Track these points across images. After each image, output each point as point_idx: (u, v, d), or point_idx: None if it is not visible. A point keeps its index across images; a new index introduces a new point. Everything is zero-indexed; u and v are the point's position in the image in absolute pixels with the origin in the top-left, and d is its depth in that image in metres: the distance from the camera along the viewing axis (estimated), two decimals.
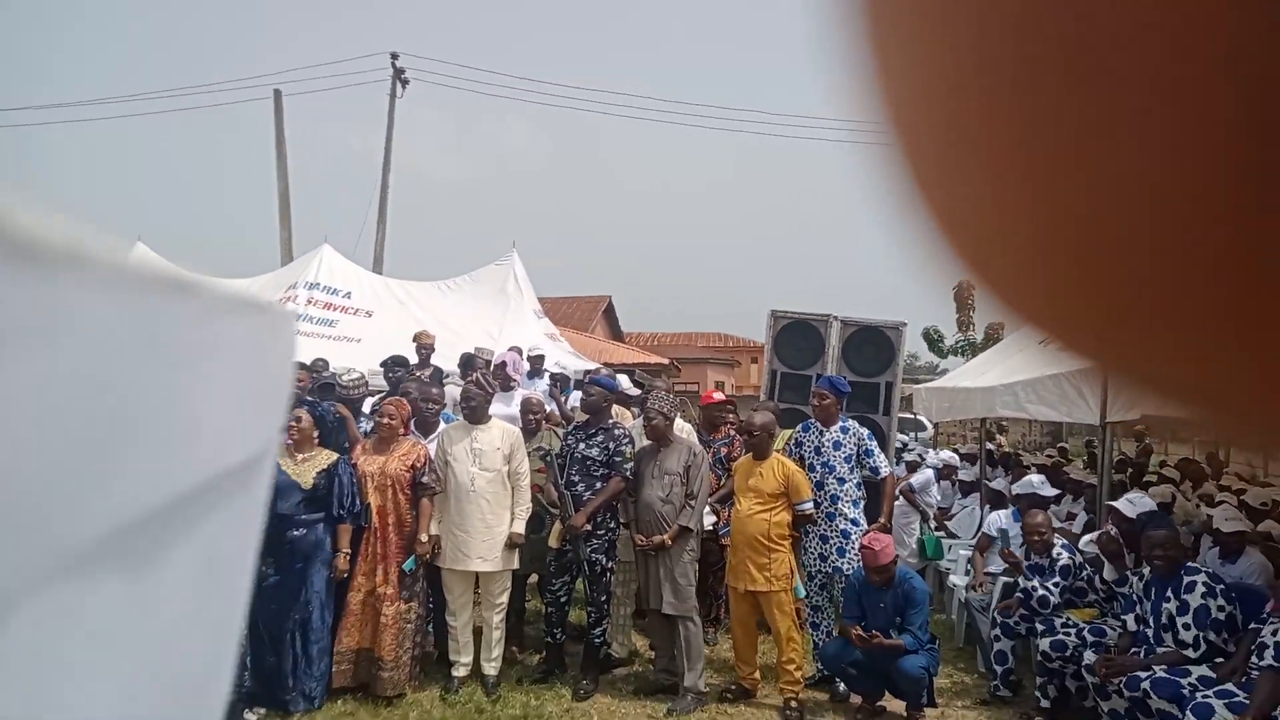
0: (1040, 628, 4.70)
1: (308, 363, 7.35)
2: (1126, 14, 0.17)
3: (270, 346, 0.46)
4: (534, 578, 5.83)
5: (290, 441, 4.52)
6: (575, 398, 7.87)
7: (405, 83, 18.32)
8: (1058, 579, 4.82)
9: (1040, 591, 4.81)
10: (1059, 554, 4.89)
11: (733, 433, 5.90)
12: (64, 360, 0.26)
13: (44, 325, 0.25)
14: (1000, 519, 6.23)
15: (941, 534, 7.48)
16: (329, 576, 4.55)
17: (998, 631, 5.03)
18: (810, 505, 4.77)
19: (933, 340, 20.85)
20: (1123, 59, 0.17)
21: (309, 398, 5.18)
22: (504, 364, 6.93)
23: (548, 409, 6.20)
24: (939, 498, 8.29)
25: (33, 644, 0.28)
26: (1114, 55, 0.17)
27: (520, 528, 4.86)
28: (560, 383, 7.95)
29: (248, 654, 4.32)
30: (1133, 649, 4.21)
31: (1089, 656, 4.33)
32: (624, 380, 7.14)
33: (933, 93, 0.21)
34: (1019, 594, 5.00)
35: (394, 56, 18.10)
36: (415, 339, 8.26)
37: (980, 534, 6.30)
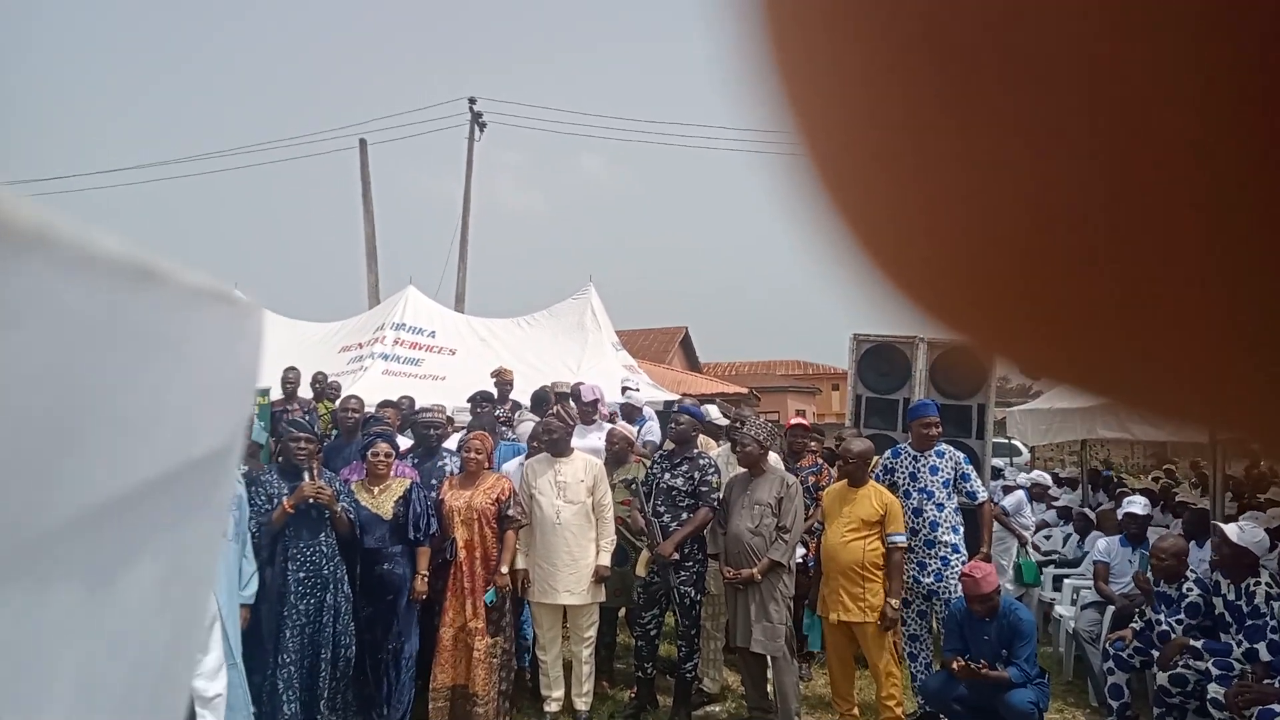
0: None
1: (395, 400, 7.53)
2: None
3: (238, 338, 0.45)
4: (623, 611, 5.77)
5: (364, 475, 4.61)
6: (650, 429, 7.84)
7: (483, 126, 18.83)
8: (1182, 615, 4.50)
9: (1163, 626, 4.50)
10: (1190, 589, 4.56)
11: (820, 461, 5.77)
12: (25, 344, 0.25)
13: (8, 307, 0.24)
14: (1107, 545, 5.92)
15: (1037, 556, 7.16)
16: (413, 603, 4.60)
17: (1111, 664, 4.75)
18: (903, 539, 4.59)
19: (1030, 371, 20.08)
20: (1052, 46, 0.16)
21: (389, 431, 5.26)
22: (595, 400, 6.93)
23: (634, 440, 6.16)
24: (1033, 519, 7.93)
25: None
26: (1041, 43, 0.16)
27: (606, 560, 4.82)
28: (629, 413, 7.89)
29: (351, 688, 4.38)
30: (1267, 679, 3.90)
31: (1214, 690, 4.03)
32: (712, 410, 7.07)
33: (840, 92, 0.20)
34: (1136, 624, 4.70)
35: (472, 101, 18.64)
36: (495, 375, 8.37)
37: (1093, 562, 5.97)
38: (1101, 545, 5.98)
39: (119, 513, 0.33)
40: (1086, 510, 7.48)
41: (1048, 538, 8.01)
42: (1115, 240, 0.17)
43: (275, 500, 4.25)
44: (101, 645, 0.35)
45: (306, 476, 4.33)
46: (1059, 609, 6.28)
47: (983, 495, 5.09)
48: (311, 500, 4.22)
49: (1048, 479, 8.52)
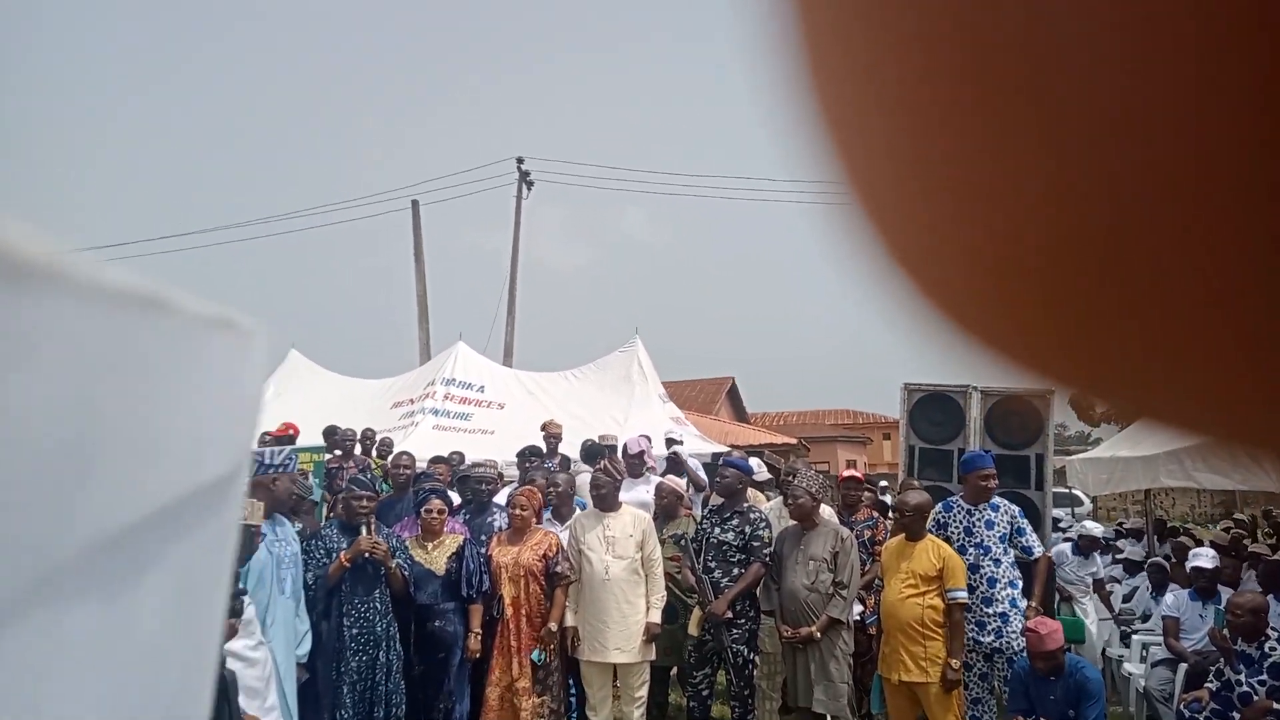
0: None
1: (446, 455, 7.61)
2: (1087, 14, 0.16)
3: (242, 363, 0.46)
4: (674, 670, 5.68)
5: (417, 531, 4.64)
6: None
7: (530, 184, 19.24)
8: (1265, 676, 4.28)
9: (1244, 687, 4.29)
10: (1273, 648, 4.33)
11: (875, 515, 5.66)
12: (42, 375, 0.26)
13: (20, 341, 0.24)
14: (1175, 600, 5.69)
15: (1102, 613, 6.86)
16: (465, 660, 4.59)
17: None
18: (964, 594, 4.44)
19: (1082, 407, 19.48)
20: (1086, 62, 0.16)
21: (441, 487, 5.31)
22: (641, 451, 6.93)
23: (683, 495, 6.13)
24: (1085, 575, 7.25)
25: (8, 667, 0.27)
26: (1075, 58, 0.16)
27: (656, 617, 4.76)
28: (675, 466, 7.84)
29: None
30: None
31: None
32: (755, 463, 7.01)
33: (877, 112, 0.20)
34: (1212, 684, 4.48)
35: (519, 160, 19.09)
36: (543, 428, 8.42)
37: (1163, 617, 5.72)
38: (1170, 600, 5.74)
39: (132, 539, 0.34)
40: (1161, 560, 7.10)
41: (1110, 593, 7.65)
42: (1155, 253, 0.17)
43: (333, 554, 4.31)
44: (119, 671, 0.36)
45: (364, 531, 4.39)
46: (1128, 666, 6.03)
47: (1039, 549, 4.93)
48: (367, 555, 4.27)
49: (1097, 529, 7.71)
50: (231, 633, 3.06)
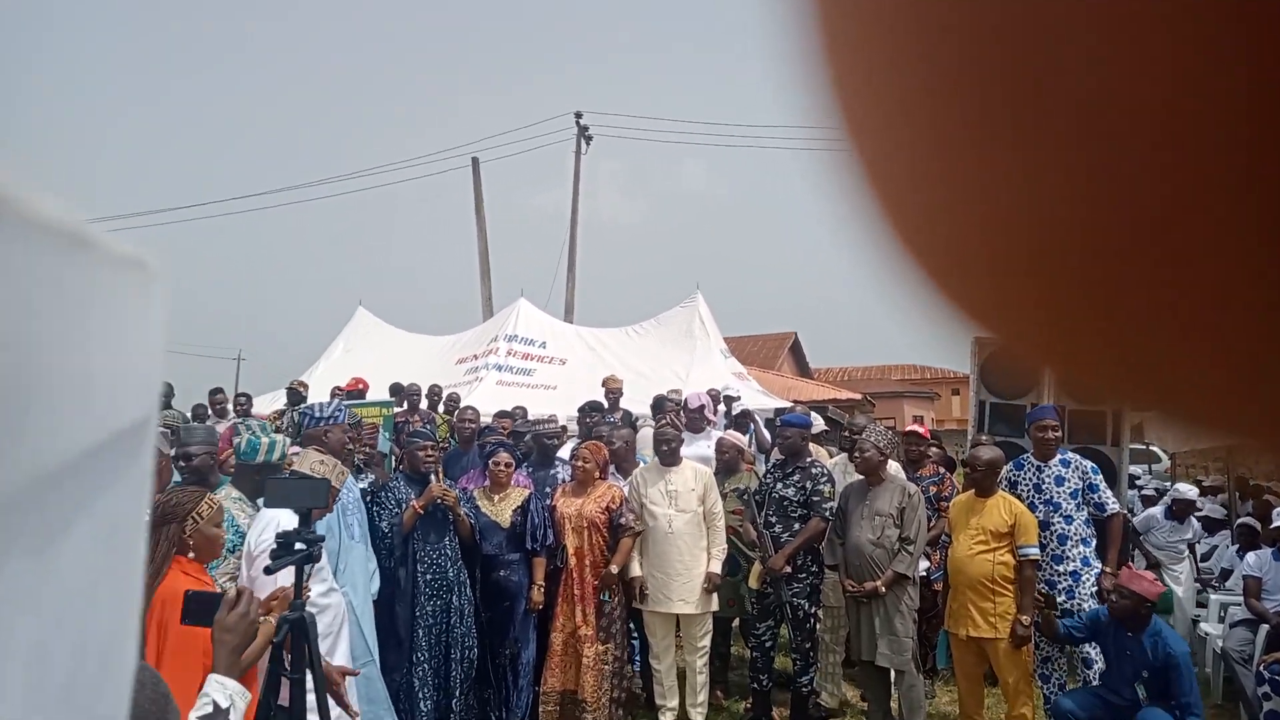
0: None
1: (509, 410, 7.71)
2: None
3: (149, 305, 0.44)
4: (737, 622, 5.71)
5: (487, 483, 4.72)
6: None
7: (589, 139, 19.14)
8: None
9: None
10: None
11: (941, 470, 5.55)
12: None
13: None
14: (1258, 559, 5.48)
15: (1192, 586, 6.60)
16: (530, 611, 4.70)
17: (1268, 689, 4.38)
18: (1036, 551, 4.34)
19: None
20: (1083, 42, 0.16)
21: (509, 441, 5.39)
22: (701, 406, 6.92)
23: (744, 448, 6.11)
24: (1181, 539, 6.87)
25: None
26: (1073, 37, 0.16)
27: (717, 568, 4.78)
28: (740, 422, 7.81)
29: (467, 689, 4.50)
30: None
31: None
32: (817, 419, 6.93)
33: (885, 89, 0.20)
34: None
35: (578, 116, 18.97)
36: (604, 384, 8.46)
37: (1244, 576, 5.52)
38: (1252, 559, 5.53)
39: (58, 483, 0.33)
40: (1251, 520, 6.79)
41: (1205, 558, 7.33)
42: (1169, 236, 0.17)
43: (403, 504, 4.42)
44: (48, 620, 0.35)
45: (432, 479, 4.49)
46: (1205, 626, 5.86)
47: (1113, 506, 4.78)
48: (439, 502, 4.38)
49: (1191, 492, 7.18)
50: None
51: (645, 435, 6.87)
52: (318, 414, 4.14)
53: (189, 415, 8.30)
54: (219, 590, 2.19)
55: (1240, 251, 0.16)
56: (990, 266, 0.20)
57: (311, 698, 2.82)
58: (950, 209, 0.20)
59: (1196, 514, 7.60)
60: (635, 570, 4.80)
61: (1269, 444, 0.19)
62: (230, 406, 8.78)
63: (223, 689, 1.80)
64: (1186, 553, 6.77)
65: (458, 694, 4.40)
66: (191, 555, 2.62)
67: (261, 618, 2.09)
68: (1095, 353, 0.20)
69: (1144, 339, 0.19)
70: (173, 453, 3.76)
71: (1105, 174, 0.17)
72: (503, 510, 4.71)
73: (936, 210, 0.20)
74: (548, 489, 5.11)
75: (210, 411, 8.44)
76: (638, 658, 5.26)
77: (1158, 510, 7.06)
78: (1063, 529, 4.66)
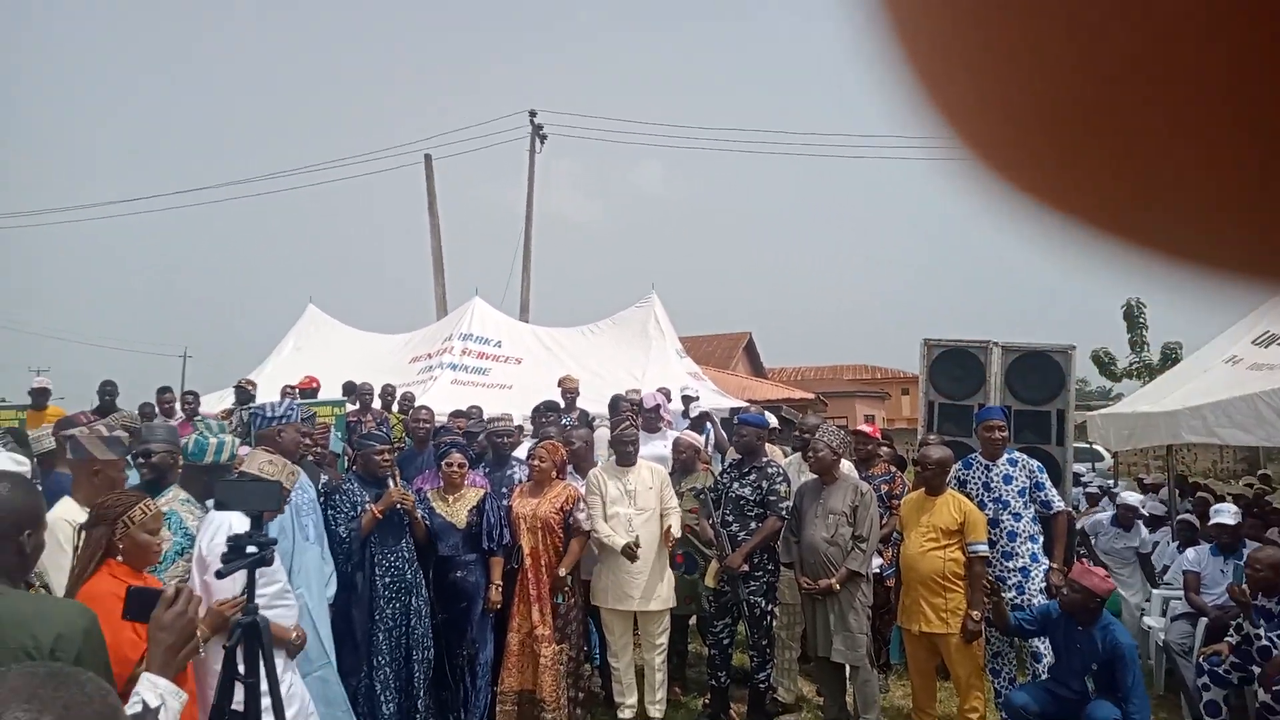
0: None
1: (464, 410, 7.65)
2: None
3: None
4: (694, 619, 5.74)
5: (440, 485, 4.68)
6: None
7: (544, 138, 19.04)
8: None
9: (1263, 641, 4.28)
10: None
11: (892, 469, 5.65)
12: None
13: None
14: (1196, 555, 5.66)
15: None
16: (487, 611, 4.67)
17: (1206, 680, 4.54)
18: (985, 548, 4.45)
19: (1103, 363, 19.25)
20: None
21: (463, 441, 5.34)
22: (657, 405, 6.93)
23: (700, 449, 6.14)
24: (1120, 544, 6.85)
25: None
26: None
27: (676, 530, 4.80)
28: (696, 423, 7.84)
29: (428, 690, 4.46)
30: None
31: None
32: (771, 418, 7.00)
33: None
34: (1232, 638, 4.49)
35: (532, 114, 18.87)
36: (560, 384, 8.43)
37: (1183, 571, 5.69)
38: (1191, 555, 5.72)
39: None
40: (1190, 517, 6.99)
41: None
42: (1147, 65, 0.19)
43: (359, 508, 4.36)
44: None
45: (391, 484, 4.43)
46: (1148, 620, 6.04)
47: (1059, 504, 4.91)
48: (398, 506, 4.33)
49: (1134, 498, 7.24)
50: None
51: (602, 435, 6.86)
52: (269, 413, 4.06)
53: (136, 414, 8.08)
54: (158, 588, 2.14)
55: (1208, 72, 0.19)
56: (1004, 112, 0.22)
57: (266, 700, 2.78)
58: (971, 62, 0.22)
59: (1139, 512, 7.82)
60: (596, 570, 4.80)
61: (1248, 256, 0.22)
62: (178, 406, 8.55)
63: (153, 688, 1.76)
64: (1135, 560, 6.85)
65: (420, 695, 4.36)
66: (120, 559, 2.56)
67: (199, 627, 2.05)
68: (1096, 176, 0.22)
69: (1138, 153, 0.21)
70: (131, 451, 3.65)
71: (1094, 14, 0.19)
72: (458, 511, 4.68)
73: (958, 63, 0.23)
74: (504, 489, 5.08)
75: (158, 411, 8.22)
76: (597, 656, 5.26)
77: (1104, 516, 7.17)
78: (1012, 526, 4.78)
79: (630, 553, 4.61)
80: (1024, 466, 4.91)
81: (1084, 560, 4.53)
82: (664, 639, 4.90)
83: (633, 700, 4.88)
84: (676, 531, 4.81)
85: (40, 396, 7.87)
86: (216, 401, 10.14)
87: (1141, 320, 18.37)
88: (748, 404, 9.73)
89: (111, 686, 0.83)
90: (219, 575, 2.68)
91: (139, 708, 1.72)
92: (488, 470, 5.41)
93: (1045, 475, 4.95)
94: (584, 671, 4.91)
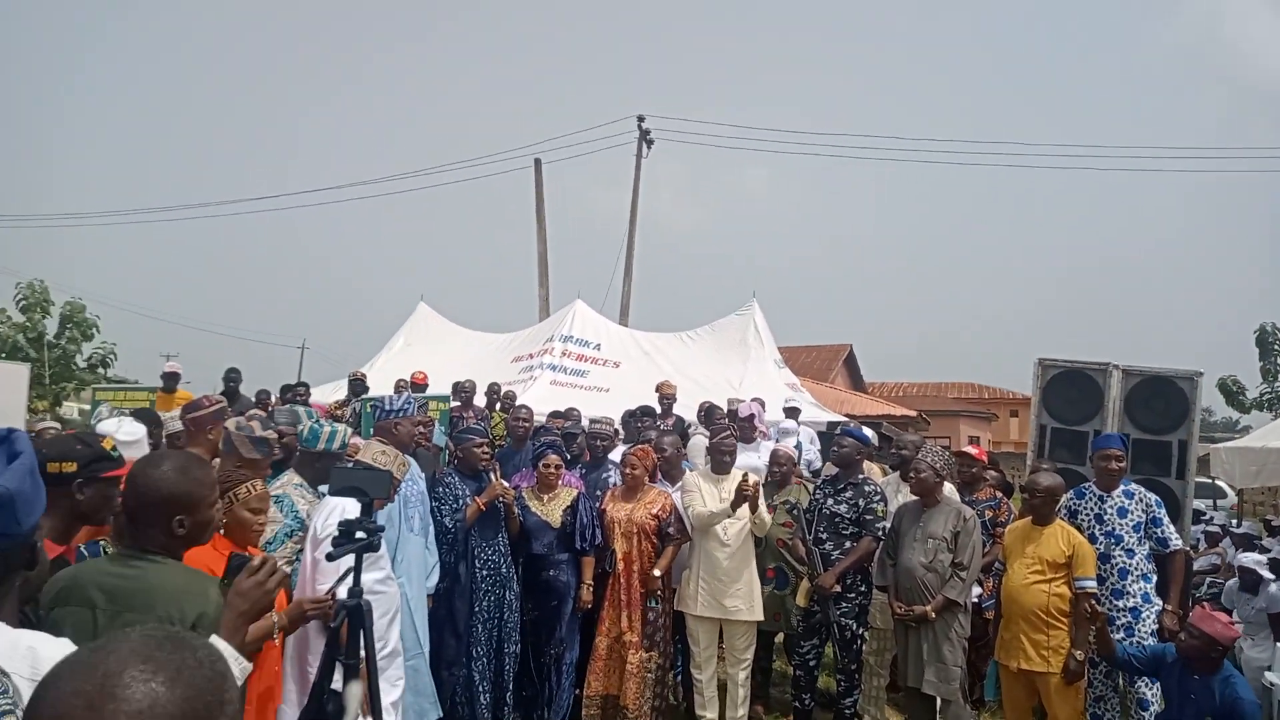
0: None
1: (563, 410, 7.77)
2: None
3: None
4: (781, 637, 5.67)
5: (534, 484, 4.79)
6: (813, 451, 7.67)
7: (651, 143, 19.18)
8: None
9: None
10: None
11: (998, 495, 5.43)
12: None
13: None
14: None
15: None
16: (576, 610, 4.73)
17: None
18: (1093, 584, 4.22)
19: (1231, 392, 17.99)
20: None
21: (559, 442, 5.42)
22: (751, 415, 6.90)
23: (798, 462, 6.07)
24: (1251, 608, 6.08)
25: None
26: None
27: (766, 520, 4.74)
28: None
29: (511, 685, 4.55)
30: None
31: None
32: (870, 434, 6.86)
33: None
34: None
35: (640, 119, 19.03)
36: (658, 389, 8.47)
37: None
38: None
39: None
40: None
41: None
42: None
43: (460, 500, 4.49)
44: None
45: (490, 478, 4.56)
46: (1270, 676, 5.63)
47: (1176, 543, 4.61)
48: (499, 500, 4.46)
49: (1252, 559, 6.43)
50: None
51: (696, 444, 6.86)
52: (388, 406, 4.22)
53: (253, 399, 8.55)
54: (249, 555, 2.27)
55: None
56: None
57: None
58: None
59: (1265, 552, 7.25)
60: (686, 579, 4.80)
61: None
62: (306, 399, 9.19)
63: None
64: (1265, 622, 6.23)
65: (509, 688, 4.46)
66: (221, 532, 2.73)
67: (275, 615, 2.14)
68: None
69: None
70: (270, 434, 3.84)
71: None
72: (553, 510, 4.76)
73: None
74: (598, 491, 5.15)
75: (280, 402, 8.81)
76: (679, 666, 5.26)
77: (1233, 583, 6.47)
78: (1124, 563, 4.53)
79: (743, 494, 4.48)
80: (1140, 500, 4.65)
81: (1205, 604, 4.24)
82: (749, 654, 4.86)
83: (714, 714, 4.85)
84: (768, 519, 4.76)
85: (171, 380, 8.40)
86: (331, 392, 10.63)
87: (1277, 347, 17.15)
88: (846, 418, 9.55)
89: (222, 656, 0.88)
90: (329, 558, 2.80)
91: None
92: (583, 472, 5.48)
93: (1163, 510, 4.68)
94: (667, 680, 4.91)
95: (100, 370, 21.22)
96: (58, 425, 8.43)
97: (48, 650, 1.33)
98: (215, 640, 1.85)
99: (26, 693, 1.19)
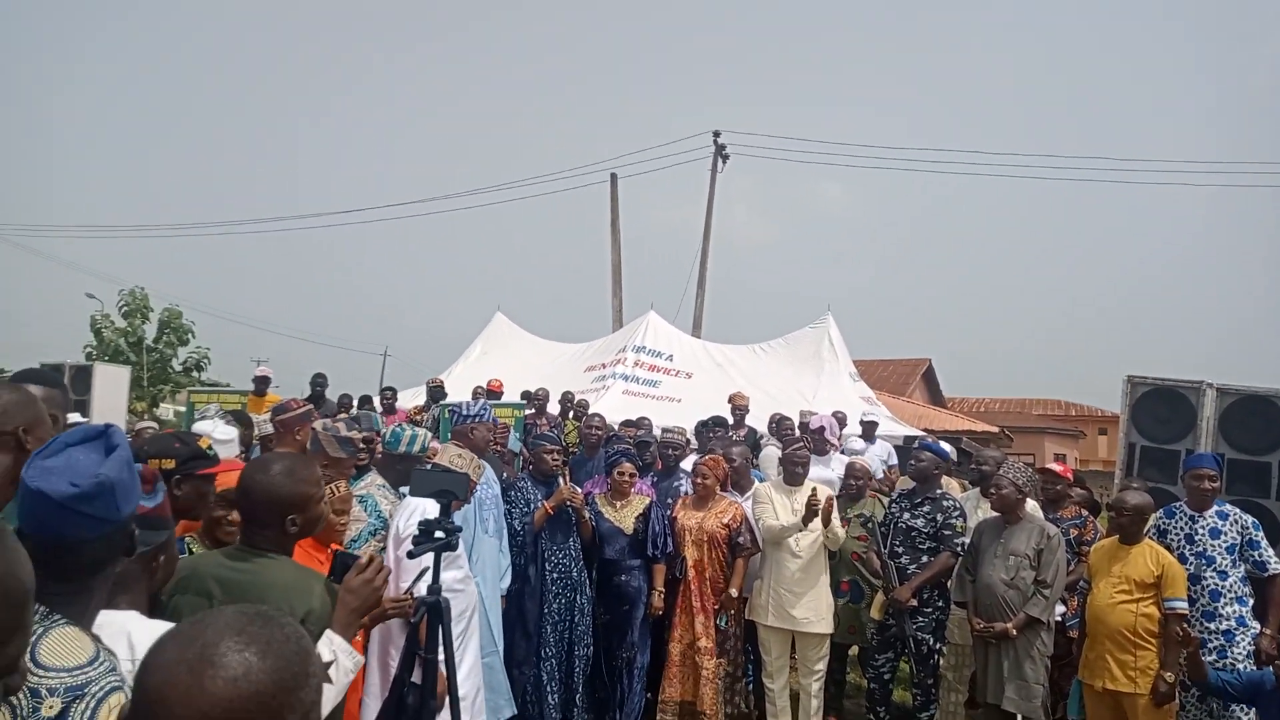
0: None
1: (635, 419, 7.83)
2: None
3: None
4: (855, 650, 5.60)
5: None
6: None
7: (726, 158, 19.19)
8: None
9: None
10: None
11: (1084, 513, 5.26)
12: None
13: None
14: None
15: None
16: (648, 616, 4.76)
17: None
18: (1184, 605, 4.06)
19: None
20: None
21: (633, 451, 5.47)
22: (822, 428, 6.84)
23: (875, 476, 6.00)
24: None
25: None
26: None
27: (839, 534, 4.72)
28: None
29: (585, 689, 4.60)
30: None
31: None
32: (948, 449, 6.72)
33: None
34: None
35: (716, 134, 19.07)
36: (730, 400, 8.47)
37: None
38: None
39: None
40: None
41: None
42: None
43: (532, 504, 4.59)
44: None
45: (561, 483, 4.64)
46: None
47: (1275, 565, 4.40)
48: (568, 504, 4.53)
49: None
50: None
51: (766, 455, 6.84)
52: (465, 411, 4.34)
53: (336, 404, 8.86)
54: (357, 554, 2.36)
55: None
56: None
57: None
58: None
59: None
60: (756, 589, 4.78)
61: None
62: (394, 403, 9.53)
63: (330, 644, 1.94)
64: None
65: (579, 689, 4.52)
66: None
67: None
68: None
69: None
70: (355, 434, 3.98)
71: None
72: (625, 517, 4.80)
73: None
74: (669, 499, 5.18)
75: (380, 407, 9.17)
76: (750, 674, 5.23)
77: None
78: (1216, 584, 4.34)
79: (813, 508, 4.49)
80: (1235, 521, 4.45)
81: None
82: (822, 665, 4.81)
83: None
84: (841, 533, 4.72)
85: (261, 384, 8.76)
86: (410, 398, 10.93)
87: None
88: (924, 433, 9.38)
89: (305, 634, 0.95)
90: (409, 556, 2.90)
91: None
92: (655, 480, 5.52)
93: (1260, 533, 4.47)
94: (738, 689, 4.89)
95: (195, 373, 22.24)
96: (155, 425, 8.87)
97: (141, 634, 1.44)
98: (330, 635, 1.96)
99: (126, 672, 1.29)
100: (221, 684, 0.84)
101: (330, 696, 1.90)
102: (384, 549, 3.58)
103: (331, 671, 1.91)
